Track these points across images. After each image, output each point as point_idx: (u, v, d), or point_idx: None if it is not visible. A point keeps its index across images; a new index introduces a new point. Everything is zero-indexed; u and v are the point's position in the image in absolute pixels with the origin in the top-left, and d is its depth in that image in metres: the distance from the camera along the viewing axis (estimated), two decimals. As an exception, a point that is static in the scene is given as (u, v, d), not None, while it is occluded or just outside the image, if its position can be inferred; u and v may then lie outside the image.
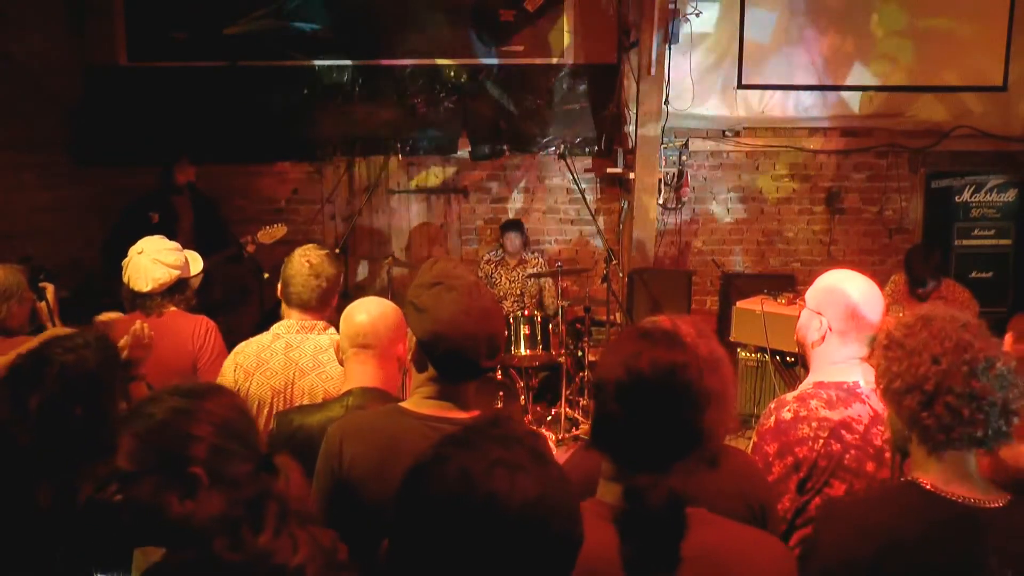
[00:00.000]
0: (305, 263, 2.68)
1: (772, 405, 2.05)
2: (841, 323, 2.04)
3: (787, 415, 1.98)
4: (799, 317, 2.18)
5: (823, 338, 2.06)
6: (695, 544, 1.26)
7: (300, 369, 2.59)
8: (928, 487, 1.50)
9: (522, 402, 5.46)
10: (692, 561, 1.26)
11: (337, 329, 2.73)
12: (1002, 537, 1.45)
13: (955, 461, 1.50)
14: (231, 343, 3.15)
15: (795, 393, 2.04)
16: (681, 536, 1.25)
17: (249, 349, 2.67)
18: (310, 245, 2.82)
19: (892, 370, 1.55)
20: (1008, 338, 2.31)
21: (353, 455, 1.76)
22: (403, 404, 1.82)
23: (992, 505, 1.48)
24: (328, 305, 2.74)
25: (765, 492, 1.75)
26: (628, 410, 1.31)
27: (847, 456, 1.92)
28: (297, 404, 2.56)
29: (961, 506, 1.47)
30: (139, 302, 3.08)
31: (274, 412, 2.55)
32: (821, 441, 1.92)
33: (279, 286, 2.76)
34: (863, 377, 1.98)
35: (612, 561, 1.25)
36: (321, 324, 2.70)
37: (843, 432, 1.93)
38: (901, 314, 2.68)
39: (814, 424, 1.94)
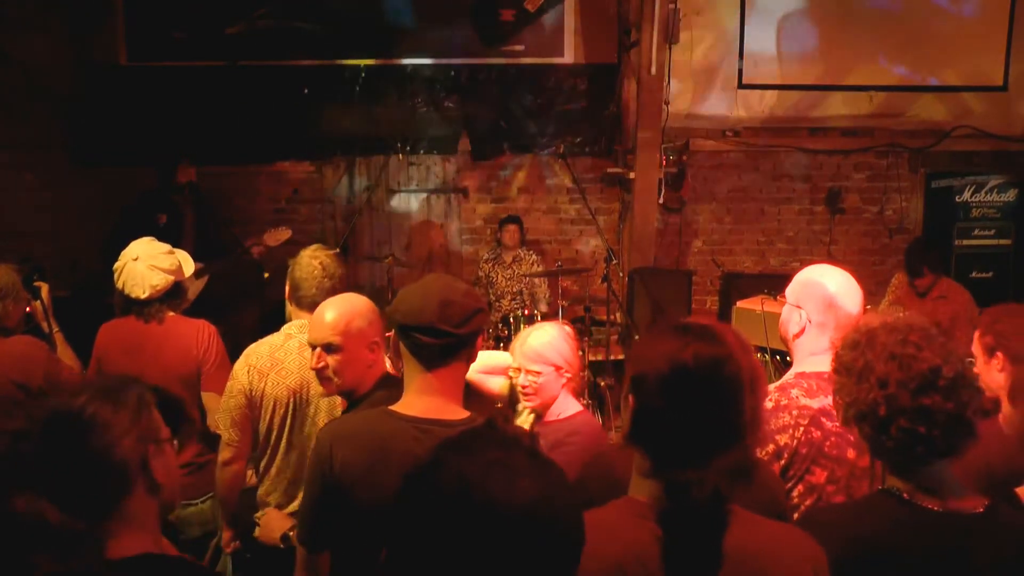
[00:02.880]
0: (317, 265, 2.70)
1: None
2: (819, 315, 2.08)
3: (768, 404, 2.00)
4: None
5: (803, 330, 2.11)
6: (735, 542, 1.26)
7: None
8: (905, 496, 1.50)
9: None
10: (733, 560, 1.25)
11: None
12: (983, 543, 1.44)
13: (927, 473, 1.49)
14: (231, 342, 3.14)
15: (777, 383, 2.07)
16: (723, 533, 1.25)
17: (261, 350, 2.64)
18: (316, 246, 2.83)
19: (845, 399, 1.57)
20: (976, 334, 2.32)
21: (343, 459, 1.77)
22: (392, 407, 1.84)
23: (971, 511, 1.47)
24: None
25: (783, 501, 1.80)
26: (672, 403, 1.31)
27: (827, 443, 1.94)
28: (312, 404, 2.57)
29: (940, 514, 1.46)
30: (136, 309, 3.02)
31: (290, 411, 2.56)
32: (801, 429, 1.95)
33: (287, 288, 2.75)
34: None
35: (651, 559, 1.25)
36: None
37: (823, 420, 1.95)
38: (901, 314, 2.69)
39: (794, 412, 1.97)
